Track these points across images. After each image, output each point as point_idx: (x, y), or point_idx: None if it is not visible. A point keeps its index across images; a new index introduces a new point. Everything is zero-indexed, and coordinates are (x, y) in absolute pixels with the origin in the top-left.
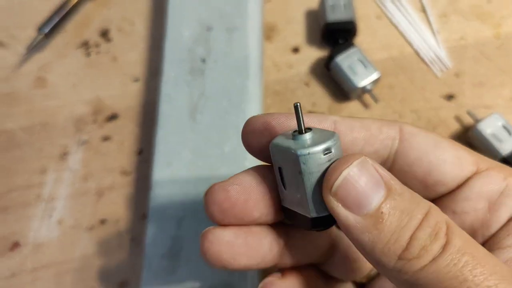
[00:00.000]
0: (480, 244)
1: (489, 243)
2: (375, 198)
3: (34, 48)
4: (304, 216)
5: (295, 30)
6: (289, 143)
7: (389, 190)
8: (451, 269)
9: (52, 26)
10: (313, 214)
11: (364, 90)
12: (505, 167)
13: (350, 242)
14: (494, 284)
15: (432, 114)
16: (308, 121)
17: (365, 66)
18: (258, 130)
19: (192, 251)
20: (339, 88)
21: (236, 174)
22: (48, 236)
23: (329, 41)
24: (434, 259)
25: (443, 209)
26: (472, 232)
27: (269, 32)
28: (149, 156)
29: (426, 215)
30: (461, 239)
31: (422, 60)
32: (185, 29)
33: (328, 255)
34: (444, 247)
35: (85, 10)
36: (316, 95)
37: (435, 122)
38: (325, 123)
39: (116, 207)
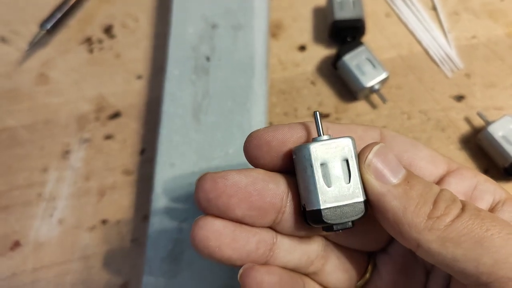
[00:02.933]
0: None
1: None
2: (401, 170)
3: (36, 44)
4: (356, 203)
5: (302, 28)
6: (325, 141)
7: (407, 170)
8: (475, 221)
9: (54, 22)
10: (364, 197)
11: (372, 89)
12: (471, 168)
13: (338, 258)
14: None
15: (442, 115)
16: (290, 129)
17: (373, 65)
18: (264, 145)
19: (194, 254)
20: (346, 88)
21: (230, 170)
22: (48, 236)
23: (336, 39)
24: (458, 216)
25: None
26: None
27: (275, 30)
28: (152, 155)
29: (441, 190)
30: (472, 204)
31: (432, 59)
32: (189, 26)
33: (317, 266)
34: (463, 208)
35: (88, 6)
36: (322, 95)
37: (444, 123)
38: (305, 131)
39: (118, 208)
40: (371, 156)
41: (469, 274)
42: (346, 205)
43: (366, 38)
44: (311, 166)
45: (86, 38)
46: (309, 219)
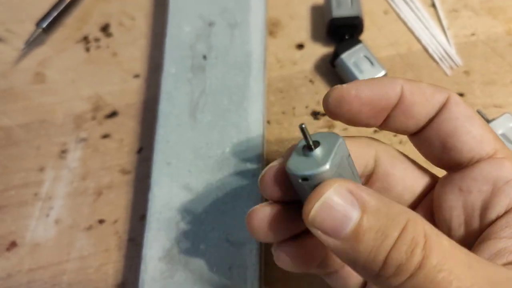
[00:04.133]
0: (478, 229)
1: (487, 231)
2: (350, 221)
3: (32, 43)
4: None
5: (300, 26)
6: (309, 163)
7: (363, 210)
8: (428, 285)
9: (50, 21)
10: None
11: None
12: None
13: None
14: None
15: None
16: (382, 88)
17: (371, 63)
18: (347, 102)
19: (191, 254)
20: None
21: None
22: (45, 236)
23: (334, 37)
24: (411, 276)
25: (452, 184)
26: (472, 212)
27: (272, 28)
28: (149, 154)
29: (402, 231)
30: (439, 253)
31: (431, 57)
32: (186, 24)
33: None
34: (421, 264)
35: (84, 4)
36: (320, 93)
37: None
38: (392, 86)
39: (115, 207)
40: (312, 214)
41: None
42: None
43: (364, 36)
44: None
45: (82, 37)
46: None
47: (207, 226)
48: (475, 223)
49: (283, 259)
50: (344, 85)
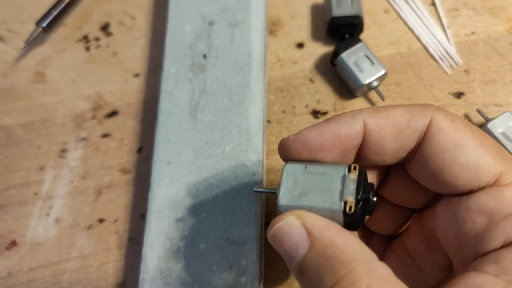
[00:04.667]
0: (471, 259)
1: (476, 262)
2: (299, 252)
3: (32, 42)
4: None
5: (300, 25)
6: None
7: (311, 247)
8: None
9: (50, 20)
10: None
11: (370, 87)
12: None
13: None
14: None
15: None
16: (337, 129)
17: (371, 62)
18: (295, 152)
19: (191, 253)
20: (344, 85)
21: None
22: (45, 235)
23: (334, 36)
24: None
25: (448, 209)
26: (465, 241)
27: (273, 27)
28: (149, 154)
29: (338, 282)
30: None
31: (431, 56)
32: (186, 24)
33: None
34: None
35: (84, 3)
36: (320, 92)
37: None
38: (354, 126)
39: (115, 206)
40: (268, 237)
41: None
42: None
43: (365, 35)
44: None
45: (82, 36)
46: None
47: (208, 225)
48: (468, 253)
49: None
50: (293, 136)
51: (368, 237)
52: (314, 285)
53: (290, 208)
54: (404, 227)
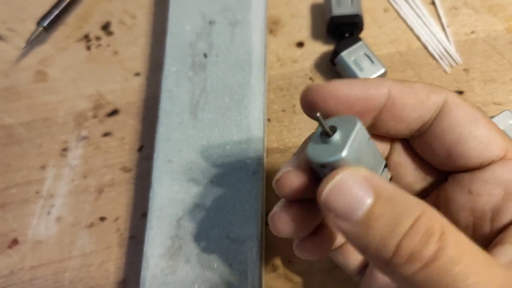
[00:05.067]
0: (489, 233)
1: (501, 236)
2: (362, 206)
3: (33, 41)
4: None
5: (300, 24)
6: (312, 145)
7: (377, 197)
8: (443, 277)
9: (51, 19)
10: None
11: None
12: None
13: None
14: None
15: None
16: (364, 88)
17: (371, 61)
18: (321, 100)
19: (192, 251)
20: None
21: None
22: (46, 234)
23: (334, 35)
24: (425, 266)
25: (461, 185)
26: (482, 216)
27: (273, 26)
28: (150, 152)
29: (416, 220)
30: (456, 246)
31: (431, 55)
32: (187, 23)
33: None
34: (436, 254)
35: (85, 3)
36: None
37: None
38: (381, 89)
39: (116, 205)
40: (325, 194)
41: None
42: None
43: (364, 34)
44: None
45: (83, 36)
46: None
47: (208, 223)
48: (485, 227)
49: (303, 253)
50: (322, 83)
51: None
52: (388, 231)
53: (346, 165)
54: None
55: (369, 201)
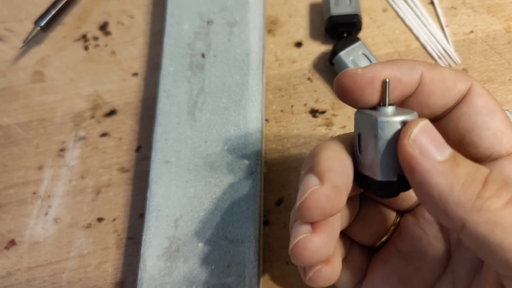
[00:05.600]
0: None
1: None
2: (446, 149)
3: (30, 41)
4: (372, 179)
5: (298, 24)
6: (373, 112)
7: (454, 150)
8: None
9: (49, 19)
10: (379, 177)
11: None
12: None
13: (366, 212)
14: None
15: None
16: (398, 68)
17: (370, 61)
18: (359, 86)
19: (189, 252)
20: None
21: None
22: (44, 235)
23: (333, 35)
24: (511, 200)
25: None
26: None
27: (271, 26)
28: (147, 153)
29: (492, 171)
30: None
31: (430, 55)
32: (184, 23)
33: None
34: None
35: (83, 2)
36: (319, 91)
37: None
38: (414, 72)
39: (114, 205)
40: (416, 131)
41: None
42: (370, 177)
43: (363, 34)
44: (355, 131)
45: (81, 36)
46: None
47: (206, 224)
48: None
49: (322, 281)
50: (359, 68)
51: (350, 252)
52: (476, 169)
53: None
54: (383, 238)
55: (449, 149)
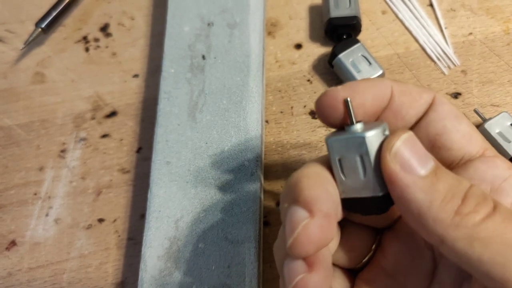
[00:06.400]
0: None
1: None
2: (430, 160)
3: (31, 43)
4: (365, 199)
5: (298, 26)
6: (346, 133)
7: (436, 162)
8: (508, 224)
9: (50, 21)
10: (378, 192)
11: None
12: (508, 161)
13: (346, 234)
14: None
15: None
16: (367, 86)
17: (369, 63)
18: (333, 107)
19: (189, 252)
20: None
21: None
22: (44, 235)
23: (332, 37)
24: (489, 215)
25: None
26: None
27: (271, 28)
28: (148, 154)
29: (472, 185)
30: (505, 206)
31: (429, 56)
32: (185, 25)
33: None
34: (495, 208)
35: (84, 4)
36: (319, 92)
37: None
38: (383, 87)
39: (114, 206)
40: (398, 144)
41: (495, 278)
42: (363, 198)
43: (362, 36)
44: (331, 159)
45: (82, 37)
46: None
47: (206, 225)
48: None
49: None
50: (337, 88)
51: (334, 277)
52: (456, 184)
53: (369, 146)
54: (366, 259)
55: (432, 162)
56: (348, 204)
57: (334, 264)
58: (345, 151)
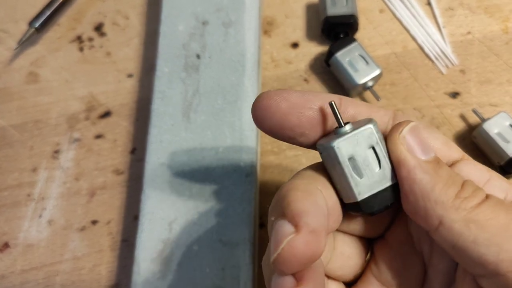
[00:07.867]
0: None
1: None
2: (431, 152)
3: (25, 42)
4: (390, 187)
5: (295, 25)
6: (347, 133)
7: (436, 154)
8: (500, 208)
9: (44, 20)
10: (396, 179)
11: (365, 87)
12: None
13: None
14: None
15: (436, 112)
16: (320, 96)
17: (366, 62)
18: (273, 106)
19: (183, 255)
20: (339, 85)
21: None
22: (38, 237)
23: (329, 36)
24: (485, 200)
25: None
26: None
27: (267, 27)
28: (142, 155)
29: (466, 179)
30: (495, 196)
31: (427, 55)
32: (180, 23)
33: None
34: (487, 196)
35: (78, 3)
36: None
37: (439, 121)
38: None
39: (108, 208)
40: (406, 130)
41: (488, 260)
42: (380, 191)
43: (359, 35)
44: (340, 163)
45: (76, 37)
46: (348, 210)
47: (200, 227)
48: None
49: None
50: (273, 91)
51: None
52: (454, 173)
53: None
54: (360, 270)
55: (433, 152)
56: (362, 205)
57: (329, 277)
58: (355, 148)
